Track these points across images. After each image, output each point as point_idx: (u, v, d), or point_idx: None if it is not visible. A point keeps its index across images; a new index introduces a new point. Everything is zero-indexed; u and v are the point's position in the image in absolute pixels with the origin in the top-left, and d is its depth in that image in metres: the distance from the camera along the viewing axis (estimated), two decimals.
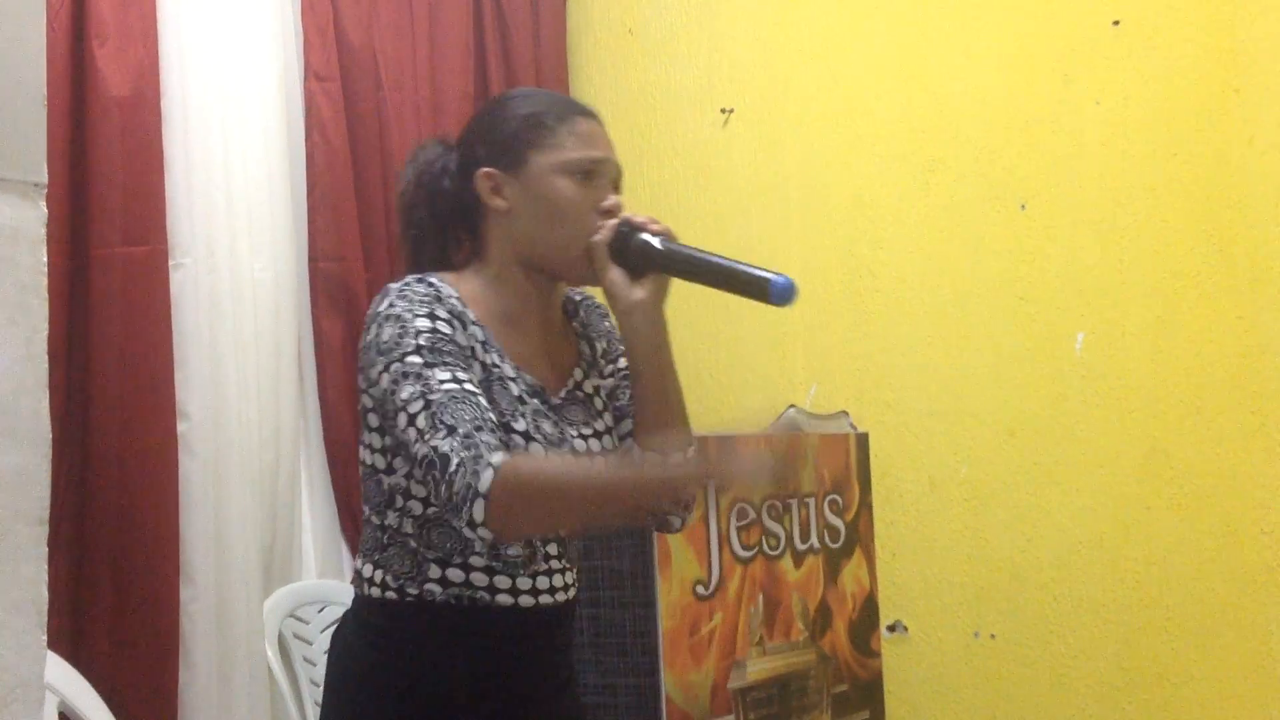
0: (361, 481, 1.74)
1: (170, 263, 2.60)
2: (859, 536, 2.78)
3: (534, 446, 1.66)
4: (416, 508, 1.69)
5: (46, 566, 1.62)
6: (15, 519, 1.60)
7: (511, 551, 1.68)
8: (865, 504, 2.82)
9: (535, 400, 1.71)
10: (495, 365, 1.68)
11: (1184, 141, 2.70)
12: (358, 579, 1.74)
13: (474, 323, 1.68)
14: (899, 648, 2.96)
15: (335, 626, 1.81)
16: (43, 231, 1.66)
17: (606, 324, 1.88)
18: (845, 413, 2.99)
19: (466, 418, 1.57)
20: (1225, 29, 2.66)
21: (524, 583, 1.71)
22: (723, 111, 3.30)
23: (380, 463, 1.69)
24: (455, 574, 1.68)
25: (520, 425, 1.66)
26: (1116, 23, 2.78)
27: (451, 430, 1.56)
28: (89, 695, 2.31)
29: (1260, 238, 2.63)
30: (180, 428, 2.57)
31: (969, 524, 2.92)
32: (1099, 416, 2.78)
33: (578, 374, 1.80)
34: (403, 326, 1.64)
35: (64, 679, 2.27)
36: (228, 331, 2.67)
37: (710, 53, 3.33)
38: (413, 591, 1.68)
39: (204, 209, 2.66)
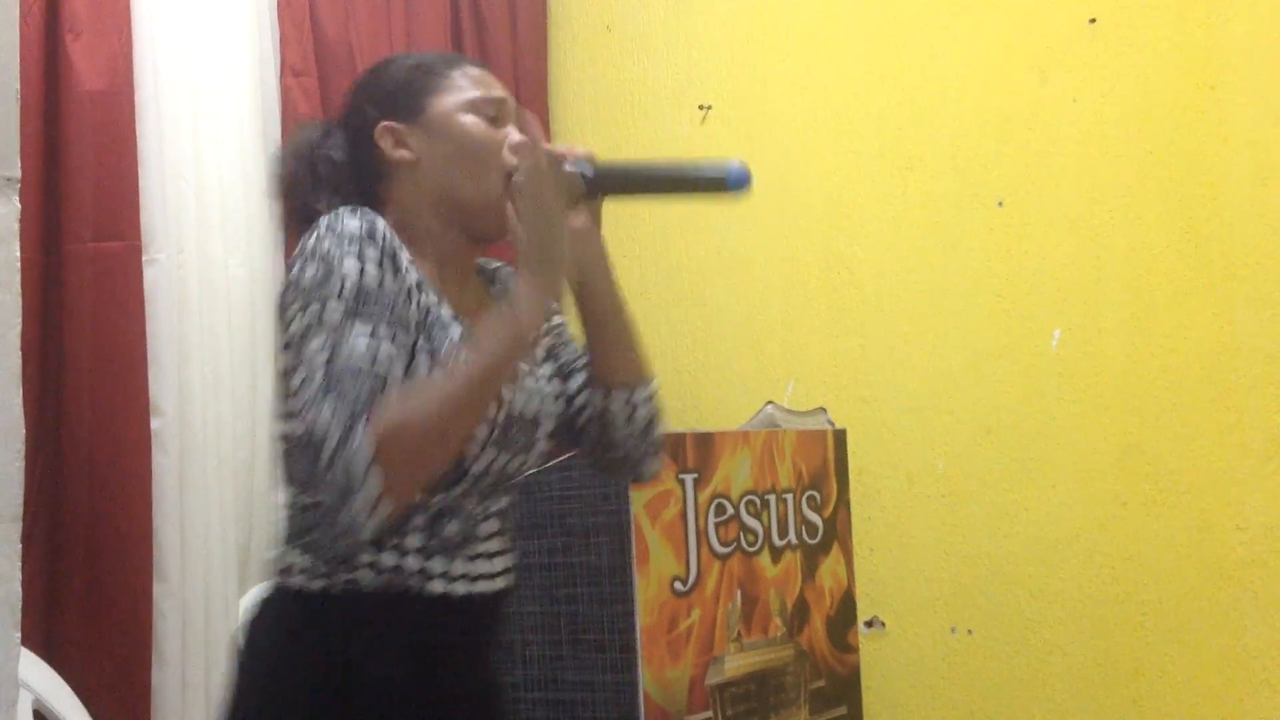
0: (281, 458, 1.58)
1: (144, 258, 2.58)
2: (837, 533, 2.79)
3: None
4: None
5: (20, 563, 1.61)
6: None
7: (450, 530, 1.58)
8: (843, 500, 2.83)
9: None
10: (434, 303, 1.57)
11: (1160, 139, 2.71)
12: (281, 568, 1.59)
13: (410, 261, 1.55)
14: (876, 643, 2.97)
15: (251, 622, 1.65)
16: (15, 226, 1.65)
17: None
18: (823, 409, 2.99)
19: (364, 396, 1.41)
20: (1201, 27, 2.67)
21: (459, 567, 1.59)
22: (701, 108, 3.29)
23: (291, 429, 1.51)
24: (389, 558, 1.55)
25: None
26: (1093, 21, 2.78)
27: (339, 403, 1.41)
28: (63, 692, 2.29)
29: (1235, 235, 2.64)
30: (154, 424, 2.55)
31: (946, 520, 2.93)
32: (1075, 413, 2.79)
33: None
34: (329, 267, 1.48)
35: (38, 676, 2.25)
36: (202, 328, 2.66)
37: (688, 50, 3.32)
38: (342, 577, 1.54)
39: (178, 204, 2.64)
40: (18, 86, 1.64)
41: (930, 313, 2.96)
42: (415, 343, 1.54)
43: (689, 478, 2.39)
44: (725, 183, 1.56)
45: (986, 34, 2.91)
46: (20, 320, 1.65)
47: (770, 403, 2.97)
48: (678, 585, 2.33)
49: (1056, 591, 2.80)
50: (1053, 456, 2.81)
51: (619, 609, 2.24)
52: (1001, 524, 2.87)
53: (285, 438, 1.54)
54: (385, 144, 1.64)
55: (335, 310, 1.46)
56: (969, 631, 2.90)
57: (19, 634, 1.60)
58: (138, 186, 2.59)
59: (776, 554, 2.59)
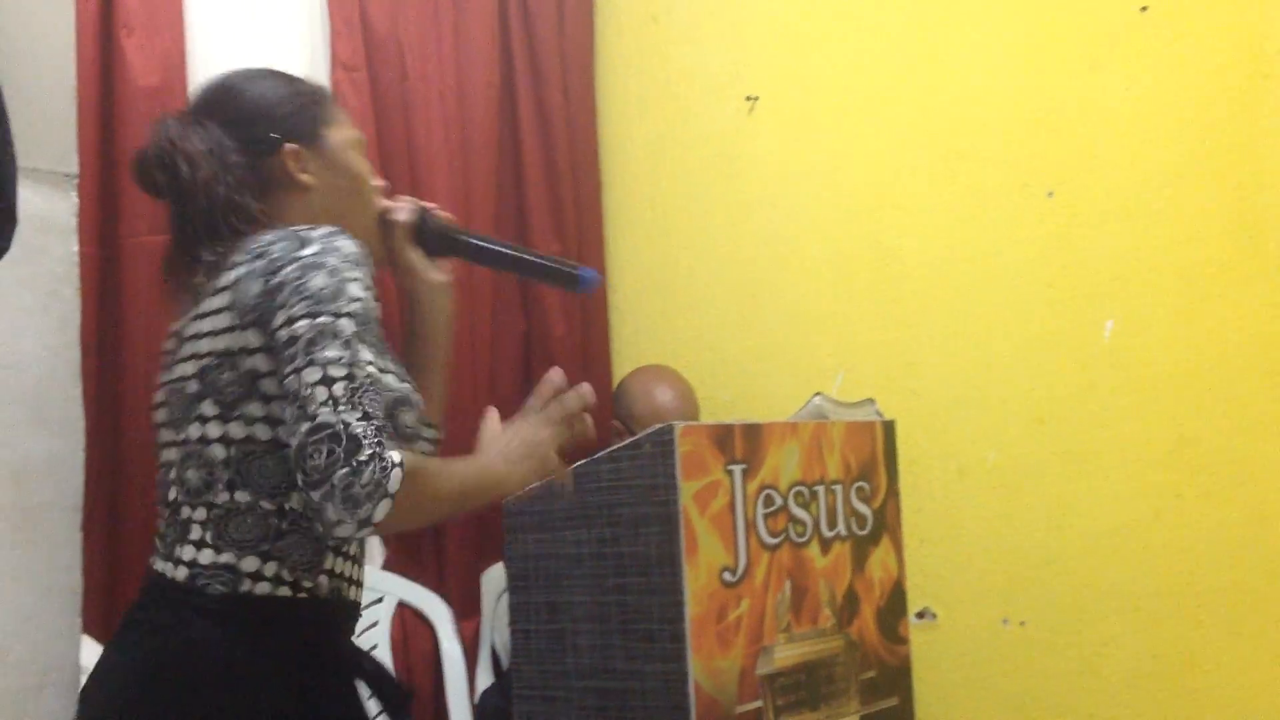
0: (227, 465, 1.61)
1: None
2: (886, 523, 2.78)
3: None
4: None
5: (81, 553, 1.64)
6: (50, 507, 1.62)
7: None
8: (892, 491, 2.82)
9: None
10: None
11: (1213, 127, 2.69)
12: (227, 573, 1.59)
13: None
14: (927, 634, 2.96)
15: (143, 632, 1.64)
16: (74, 221, 1.68)
17: None
18: (872, 400, 2.98)
19: (379, 410, 1.51)
20: (1255, 13, 2.64)
21: (358, 573, 1.73)
22: (748, 99, 3.29)
23: (265, 433, 1.59)
24: (340, 563, 1.66)
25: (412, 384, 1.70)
26: (1144, 8, 2.76)
27: (368, 416, 1.48)
28: None
29: None
30: None
31: (997, 511, 2.92)
32: (1128, 404, 2.77)
33: None
34: (339, 283, 1.55)
35: None
36: None
37: (735, 40, 3.32)
38: (307, 585, 1.61)
39: None
40: (74, 84, 1.66)
41: (980, 304, 2.95)
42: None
43: (737, 468, 2.39)
44: (577, 283, 1.78)
45: (1036, 22, 2.89)
46: (80, 313, 1.68)
47: (819, 394, 2.96)
48: (727, 575, 2.34)
49: (1110, 583, 2.78)
50: (1105, 447, 2.79)
51: (668, 599, 2.24)
52: (1054, 515, 2.85)
53: (240, 441, 1.58)
54: (291, 165, 1.73)
55: (347, 327, 1.52)
56: (1021, 623, 2.88)
57: (80, 621, 1.64)
58: None
59: (825, 545, 2.59)
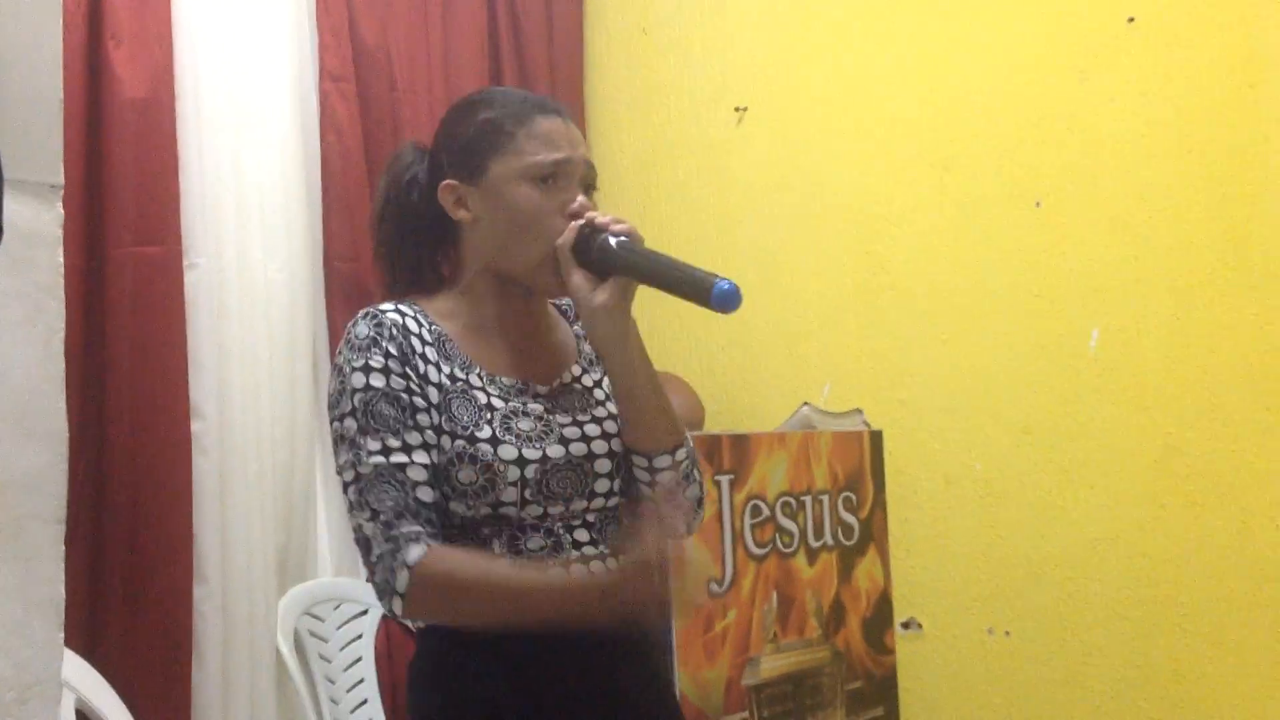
0: None
1: (185, 263, 2.61)
2: (873, 534, 2.78)
3: (503, 449, 1.61)
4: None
5: (63, 565, 1.63)
6: (33, 519, 1.61)
7: (532, 545, 1.64)
8: (879, 501, 2.82)
9: (514, 400, 1.67)
10: (457, 378, 1.65)
11: (1200, 138, 2.70)
12: None
13: (428, 343, 1.65)
14: (913, 645, 2.96)
15: None
16: (59, 232, 1.67)
17: None
18: (859, 410, 2.99)
19: (389, 502, 1.58)
20: (1241, 25, 2.65)
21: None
22: (736, 110, 3.30)
23: None
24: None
25: (484, 433, 1.62)
26: (1131, 19, 2.77)
27: (374, 515, 1.58)
28: (105, 692, 2.32)
29: (1276, 235, 2.61)
30: (195, 427, 2.58)
31: (983, 521, 2.92)
32: (1114, 414, 2.77)
33: (575, 370, 1.77)
34: (342, 382, 1.63)
35: (81, 676, 2.28)
36: (242, 331, 2.69)
37: (724, 52, 3.33)
38: None
39: (218, 210, 2.67)
40: (61, 94, 1.66)
41: (968, 313, 2.95)
42: (438, 424, 1.63)
43: (724, 479, 2.39)
44: (709, 296, 1.60)
45: (1024, 33, 2.90)
46: (64, 325, 1.67)
47: (806, 404, 2.97)
48: (713, 586, 2.34)
49: (1095, 593, 2.79)
50: (1091, 457, 2.80)
51: None
52: (1039, 525, 2.86)
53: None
54: (446, 202, 1.71)
55: (350, 427, 1.61)
56: (1006, 633, 2.89)
57: (62, 634, 1.63)
58: (179, 192, 2.62)
59: (812, 555, 2.59)
